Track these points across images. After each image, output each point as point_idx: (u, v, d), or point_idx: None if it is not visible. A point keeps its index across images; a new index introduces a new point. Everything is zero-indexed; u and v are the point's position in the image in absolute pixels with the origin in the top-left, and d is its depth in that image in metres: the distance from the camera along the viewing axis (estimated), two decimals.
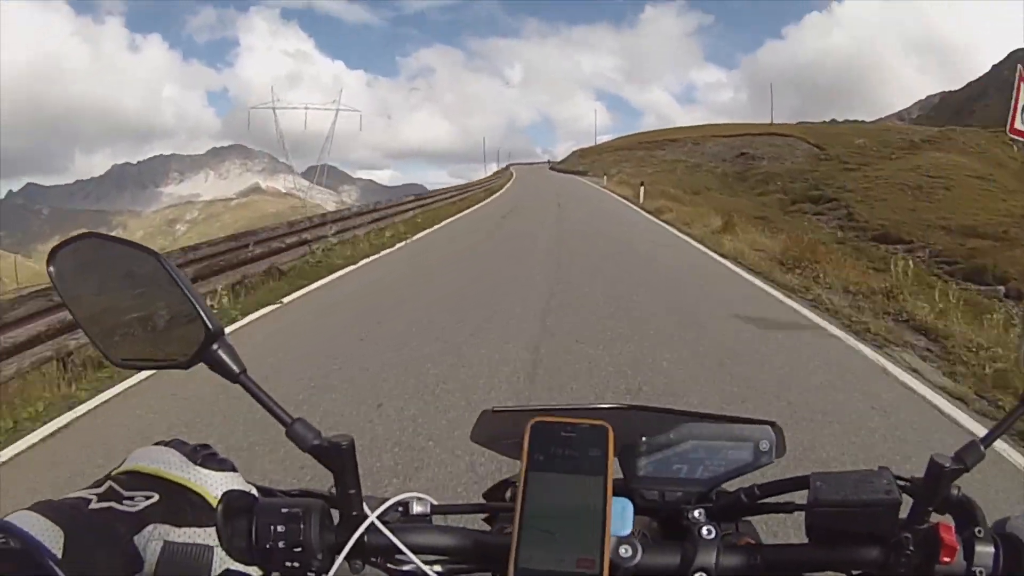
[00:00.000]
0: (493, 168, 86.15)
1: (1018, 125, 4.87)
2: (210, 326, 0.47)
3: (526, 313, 5.28)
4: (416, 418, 3.18)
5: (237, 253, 6.86)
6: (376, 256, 9.28)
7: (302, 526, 0.47)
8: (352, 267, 8.27)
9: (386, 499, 0.51)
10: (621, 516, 0.47)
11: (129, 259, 0.49)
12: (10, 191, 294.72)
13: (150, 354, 0.52)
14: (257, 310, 5.91)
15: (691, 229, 12.48)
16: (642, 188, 21.55)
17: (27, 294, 4.32)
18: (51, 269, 0.49)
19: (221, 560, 0.47)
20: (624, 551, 0.46)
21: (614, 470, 0.47)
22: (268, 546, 0.47)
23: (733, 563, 0.49)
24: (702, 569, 0.48)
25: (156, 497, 0.47)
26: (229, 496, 0.49)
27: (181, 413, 3.41)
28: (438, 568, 0.50)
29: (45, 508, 0.44)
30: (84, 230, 0.56)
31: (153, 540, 0.46)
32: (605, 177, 36.08)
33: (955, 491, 0.48)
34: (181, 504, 0.48)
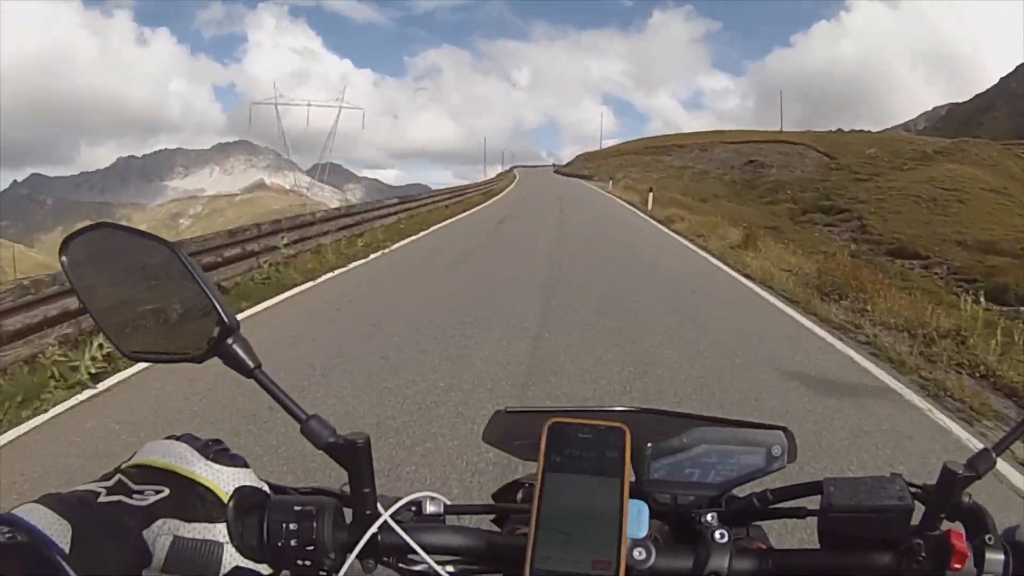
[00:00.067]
0: (498, 169, 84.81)
1: None
2: (226, 320, 0.46)
3: (513, 344, 4.32)
4: None
5: None
6: (344, 269, 7.72)
7: (315, 524, 0.47)
8: (310, 283, 6.88)
9: (399, 498, 0.51)
10: (637, 518, 0.47)
11: (143, 250, 0.49)
12: (15, 181, 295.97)
13: (162, 347, 0.51)
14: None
15: (707, 242, 11.46)
16: (651, 195, 20.54)
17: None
18: (63, 259, 0.49)
19: (231, 557, 0.46)
20: (638, 553, 0.46)
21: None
22: (280, 544, 0.47)
23: (745, 567, 0.48)
24: (715, 573, 0.47)
25: (166, 491, 0.46)
26: (241, 492, 0.48)
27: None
28: (450, 568, 0.49)
29: (52, 501, 0.43)
30: (88, 222, 0.53)
31: (162, 535, 0.45)
32: (611, 182, 35.16)
33: (966, 498, 0.47)
34: (192, 499, 0.46)
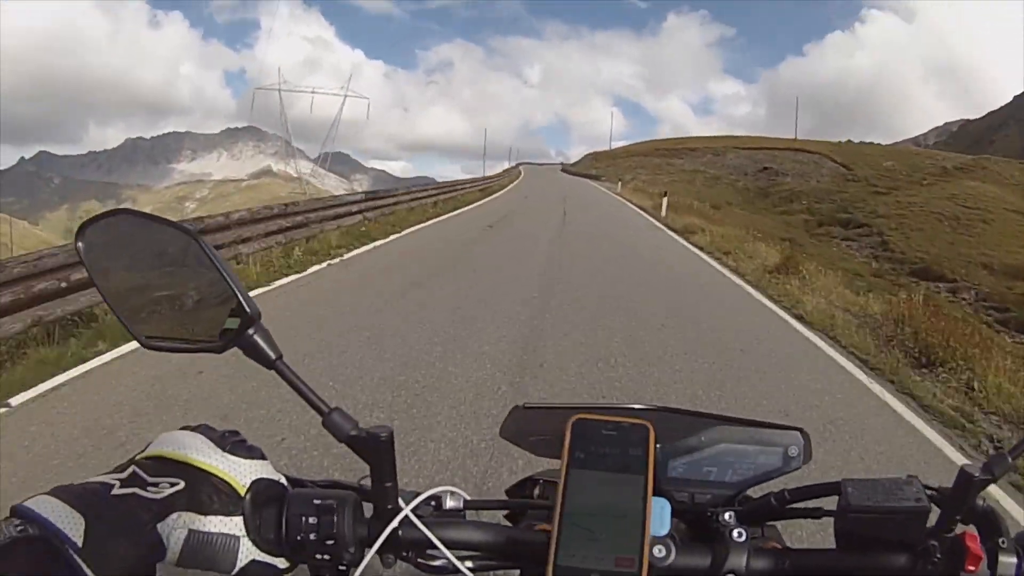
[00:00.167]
0: (504, 165, 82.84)
1: None
2: (248, 309, 0.46)
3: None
4: None
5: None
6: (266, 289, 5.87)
7: (335, 518, 0.46)
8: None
9: (418, 492, 0.50)
10: (660, 516, 0.47)
11: (162, 237, 0.48)
12: (22, 158, 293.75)
13: (179, 334, 0.50)
14: None
15: (737, 263, 9.89)
16: (665, 199, 18.67)
17: None
18: (80, 244, 0.48)
19: (247, 550, 0.45)
20: (659, 551, 0.46)
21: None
22: (299, 537, 0.46)
23: (763, 566, 0.48)
24: (732, 571, 0.47)
25: (181, 484, 0.45)
26: (258, 485, 0.47)
27: None
28: (469, 564, 0.49)
29: (65, 493, 0.41)
30: (94, 201, 0.67)
31: (177, 528, 0.44)
32: (619, 183, 33.57)
33: (980, 502, 0.47)
34: (207, 492, 0.45)
